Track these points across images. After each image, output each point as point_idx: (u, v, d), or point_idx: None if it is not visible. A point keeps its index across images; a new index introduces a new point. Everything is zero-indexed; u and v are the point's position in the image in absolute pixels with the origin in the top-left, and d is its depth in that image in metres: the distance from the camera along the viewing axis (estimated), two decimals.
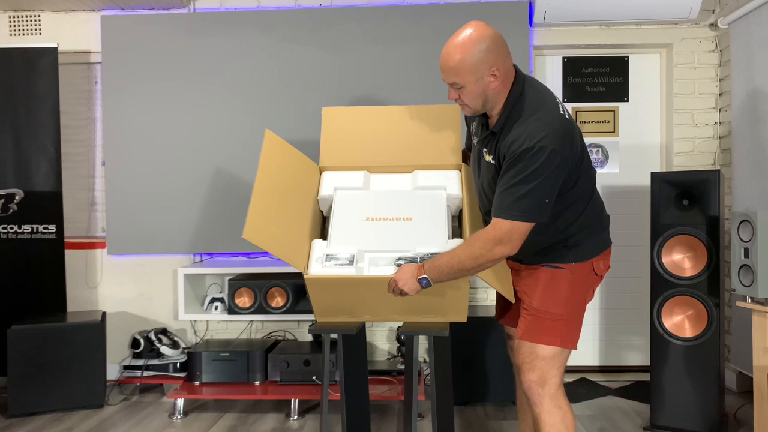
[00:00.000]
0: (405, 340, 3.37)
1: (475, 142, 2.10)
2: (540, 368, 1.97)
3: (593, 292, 2.12)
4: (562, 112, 1.88)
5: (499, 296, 2.34)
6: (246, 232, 1.93)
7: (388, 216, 2.17)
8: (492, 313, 3.48)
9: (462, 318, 2.13)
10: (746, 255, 2.58)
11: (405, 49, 3.73)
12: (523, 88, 1.90)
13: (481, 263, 1.86)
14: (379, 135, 2.36)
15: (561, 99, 3.88)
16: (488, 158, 1.96)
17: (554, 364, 1.98)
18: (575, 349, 2.03)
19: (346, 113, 2.46)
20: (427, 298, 2.03)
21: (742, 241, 2.60)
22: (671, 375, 2.92)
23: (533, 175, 1.78)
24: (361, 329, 2.41)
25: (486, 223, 2.17)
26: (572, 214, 1.99)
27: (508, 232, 1.82)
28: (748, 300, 2.58)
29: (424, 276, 1.91)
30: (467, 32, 1.85)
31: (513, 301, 2.09)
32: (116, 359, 3.86)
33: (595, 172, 2.08)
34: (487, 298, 3.89)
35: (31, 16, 3.97)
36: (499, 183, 1.86)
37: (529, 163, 1.78)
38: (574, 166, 1.90)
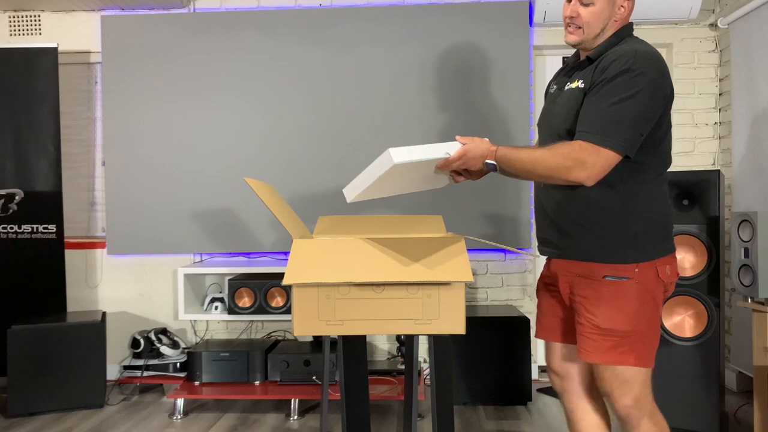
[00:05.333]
0: (405, 340, 3.37)
1: (553, 88, 1.98)
2: (631, 392, 1.85)
3: (662, 304, 1.91)
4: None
5: (545, 310, 2.09)
6: (248, 179, 1.92)
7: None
8: (491, 313, 3.50)
9: (459, 329, 1.92)
10: (746, 255, 2.58)
11: (405, 49, 3.73)
12: (631, 34, 1.90)
13: (553, 176, 1.74)
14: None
15: None
16: (576, 84, 1.83)
17: (643, 382, 1.86)
18: (651, 366, 1.86)
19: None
20: (417, 303, 1.97)
21: (742, 241, 2.60)
22: (671, 375, 2.92)
23: (632, 102, 1.68)
24: None
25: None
26: (640, 186, 1.82)
27: (593, 157, 1.68)
28: (748, 300, 2.58)
29: (494, 162, 1.77)
30: None
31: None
32: (116, 359, 3.86)
33: (671, 162, 1.90)
34: (487, 299, 3.89)
35: (31, 16, 3.97)
36: (591, 100, 1.74)
37: (629, 85, 1.68)
38: (663, 118, 1.78)
